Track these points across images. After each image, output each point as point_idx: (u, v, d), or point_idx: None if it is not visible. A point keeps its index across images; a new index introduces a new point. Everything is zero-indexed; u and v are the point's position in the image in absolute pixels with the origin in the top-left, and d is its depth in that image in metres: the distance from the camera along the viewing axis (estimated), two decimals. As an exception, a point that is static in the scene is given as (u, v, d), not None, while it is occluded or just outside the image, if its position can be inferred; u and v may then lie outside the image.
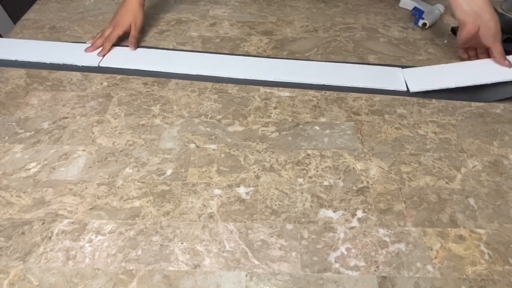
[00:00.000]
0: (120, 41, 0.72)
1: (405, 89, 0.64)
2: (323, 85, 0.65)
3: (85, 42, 0.73)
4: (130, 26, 0.72)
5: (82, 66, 0.68)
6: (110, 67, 0.68)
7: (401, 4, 0.85)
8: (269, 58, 0.71)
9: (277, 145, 0.55)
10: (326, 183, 0.50)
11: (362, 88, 0.65)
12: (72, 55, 0.70)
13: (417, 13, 0.80)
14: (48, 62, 0.68)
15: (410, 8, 0.83)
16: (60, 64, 0.68)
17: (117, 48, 0.72)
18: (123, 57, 0.70)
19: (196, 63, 0.69)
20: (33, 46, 0.72)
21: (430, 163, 0.53)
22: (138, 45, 0.73)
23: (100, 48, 0.71)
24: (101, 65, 0.68)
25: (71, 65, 0.68)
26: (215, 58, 0.71)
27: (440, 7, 0.80)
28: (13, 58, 0.69)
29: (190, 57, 0.71)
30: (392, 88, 0.64)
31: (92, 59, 0.69)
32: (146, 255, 0.43)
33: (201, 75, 0.67)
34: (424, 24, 0.77)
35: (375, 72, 0.68)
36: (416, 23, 0.79)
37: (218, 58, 0.71)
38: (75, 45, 0.73)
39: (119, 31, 0.71)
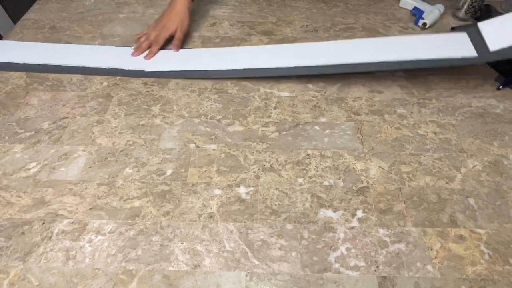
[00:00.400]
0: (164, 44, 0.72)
1: (475, 54, 0.58)
2: (376, 62, 0.61)
3: (129, 46, 0.72)
4: (176, 30, 0.71)
5: (129, 70, 0.67)
6: (158, 71, 0.67)
7: (401, 4, 0.85)
8: (311, 42, 0.69)
9: (277, 145, 0.55)
10: (326, 183, 0.50)
11: (424, 60, 0.59)
12: (116, 59, 0.69)
13: (417, 13, 0.80)
14: (93, 67, 0.68)
15: (410, 8, 0.83)
16: (105, 69, 0.67)
17: (161, 52, 0.71)
18: (169, 60, 0.69)
19: (247, 59, 0.68)
20: (78, 51, 0.72)
21: (430, 163, 0.53)
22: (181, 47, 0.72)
23: (146, 52, 0.70)
24: (148, 69, 0.67)
25: (116, 69, 0.67)
26: (269, 49, 0.70)
27: (440, 7, 0.80)
28: (57, 63, 0.68)
29: (239, 53, 0.70)
30: (460, 56, 0.59)
31: (138, 63, 0.68)
32: (146, 255, 0.43)
33: (257, 69, 0.66)
34: (424, 24, 0.77)
35: (435, 41, 0.62)
36: (416, 23, 0.79)
37: (273, 49, 0.69)
38: (119, 49, 0.72)
39: (166, 34, 0.71)
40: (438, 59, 0.59)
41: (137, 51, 0.70)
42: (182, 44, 0.73)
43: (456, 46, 0.60)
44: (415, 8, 0.81)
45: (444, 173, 0.52)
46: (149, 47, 0.70)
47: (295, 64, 0.64)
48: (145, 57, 0.69)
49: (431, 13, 0.78)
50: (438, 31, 0.78)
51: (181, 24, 0.72)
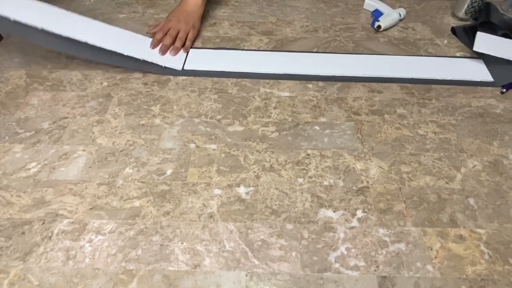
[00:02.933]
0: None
1: (491, 79, 0.66)
2: (412, 78, 0.66)
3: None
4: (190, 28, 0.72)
5: (164, 67, 0.67)
6: (195, 70, 0.68)
7: (365, 6, 0.84)
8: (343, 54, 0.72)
9: (277, 145, 0.55)
10: (326, 183, 0.50)
11: (448, 80, 0.66)
12: (152, 53, 0.69)
13: (375, 15, 0.79)
14: (125, 54, 0.66)
15: (372, 10, 0.82)
16: (140, 60, 0.66)
17: (195, 50, 0.72)
18: (205, 60, 0.70)
19: (284, 63, 0.70)
20: (106, 29, 0.69)
21: (430, 163, 0.53)
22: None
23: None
24: (185, 68, 0.68)
25: (151, 63, 0.67)
26: (295, 56, 0.71)
27: (401, 11, 0.79)
28: (74, 37, 0.63)
29: (277, 57, 0.71)
30: (478, 79, 0.66)
31: (174, 61, 0.68)
32: (146, 255, 0.43)
33: (292, 74, 0.67)
34: (379, 27, 0.76)
35: (454, 64, 0.69)
36: (372, 25, 0.78)
37: (300, 56, 0.71)
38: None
39: (187, 30, 0.72)
40: (455, 80, 0.66)
41: (163, 48, 0.68)
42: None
43: (473, 70, 0.68)
44: (376, 10, 0.80)
45: (444, 173, 0.52)
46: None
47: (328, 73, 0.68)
48: (170, 53, 0.69)
49: (388, 16, 0.78)
50: (438, 31, 0.78)
51: (197, 22, 0.72)
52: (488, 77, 0.66)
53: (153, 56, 0.68)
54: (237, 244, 0.44)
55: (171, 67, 0.67)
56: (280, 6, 0.86)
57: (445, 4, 0.85)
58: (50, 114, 0.59)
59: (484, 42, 0.68)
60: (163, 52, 0.69)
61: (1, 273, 0.41)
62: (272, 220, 0.46)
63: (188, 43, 0.71)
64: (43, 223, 0.46)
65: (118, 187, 0.50)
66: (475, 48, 0.67)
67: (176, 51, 0.69)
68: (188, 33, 0.71)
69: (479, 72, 0.67)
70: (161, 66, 0.67)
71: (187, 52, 0.71)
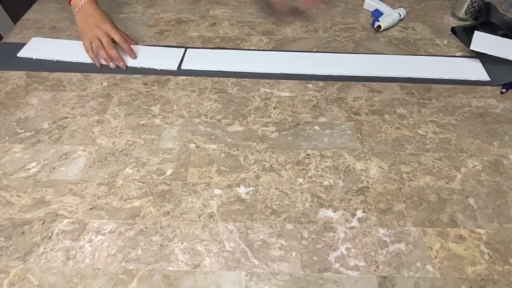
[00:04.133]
0: None
1: (488, 78, 0.66)
2: (412, 78, 0.67)
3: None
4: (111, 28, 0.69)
5: (160, 70, 0.68)
6: (195, 70, 0.68)
7: (365, 6, 0.84)
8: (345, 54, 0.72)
9: (277, 145, 0.55)
10: (326, 183, 0.50)
11: (446, 79, 0.66)
12: (148, 59, 0.69)
13: (375, 15, 0.79)
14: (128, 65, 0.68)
15: (372, 10, 0.82)
16: (137, 68, 0.68)
17: (195, 50, 0.72)
18: (205, 59, 0.70)
19: (284, 63, 0.70)
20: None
21: (430, 163, 0.53)
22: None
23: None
24: (185, 68, 0.68)
25: (148, 68, 0.68)
26: (295, 56, 0.71)
27: (401, 11, 0.79)
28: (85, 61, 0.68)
29: (277, 57, 0.71)
30: (475, 79, 0.66)
31: (170, 63, 0.69)
32: (146, 255, 0.43)
33: (292, 74, 0.67)
34: (379, 27, 0.76)
35: (452, 64, 0.70)
36: (372, 25, 0.78)
37: (300, 56, 0.71)
38: (152, 49, 0.72)
39: (111, 33, 0.68)
40: (452, 79, 0.67)
41: (112, 60, 0.67)
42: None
43: (470, 69, 0.69)
44: (376, 10, 0.81)
45: (444, 173, 0.52)
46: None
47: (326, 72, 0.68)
48: (131, 56, 0.68)
49: (388, 16, 0.78)
50: (438, 31, 0.78)
51: (107, 17, 0.69)
52: (485, 76, 0.66)
53: (148, 62, 0.69)
54: (237, 244, 0.44)
55: (167, 68, 0.68)
56: (280, 6, 0.86)
57: (445, 4, 0.85)
58: (50, 114, 0.59)
59: (481, 41, 0.69)
60: (114, 62, 0.67)
61: (1, 273, 0.41)
62: (272, 220, 0.46)
63: (126, 37, 0.69)
64: (43, 223, 0.46)
65: (118, 187, 0.50)
66: (472, 47, 0.68)
67: (133, 53, 0.69)
68: (118, 30, 0.69)
69: (476, 71, 0.68)
70: (158, 69, 0.68)
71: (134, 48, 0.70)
